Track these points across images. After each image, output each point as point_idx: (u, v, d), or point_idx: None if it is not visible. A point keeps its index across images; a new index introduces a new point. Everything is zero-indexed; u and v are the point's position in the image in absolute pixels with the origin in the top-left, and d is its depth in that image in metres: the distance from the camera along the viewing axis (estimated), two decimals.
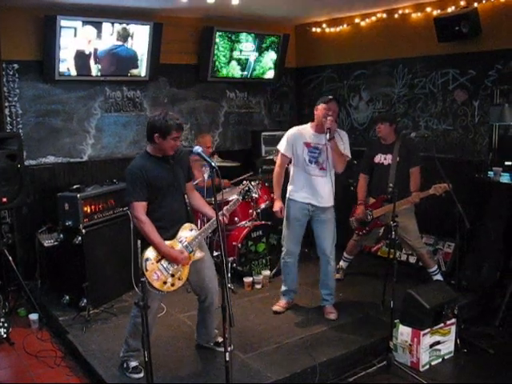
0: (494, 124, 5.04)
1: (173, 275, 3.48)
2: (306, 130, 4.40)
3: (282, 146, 4.46)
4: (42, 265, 5.12)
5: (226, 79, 6.52)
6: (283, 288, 4.68)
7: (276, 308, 4.63)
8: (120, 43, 5.46)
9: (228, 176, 5.70)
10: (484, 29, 4.91)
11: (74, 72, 5.31)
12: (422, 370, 3.84)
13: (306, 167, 4.35)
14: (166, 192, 3.47)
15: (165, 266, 3.45)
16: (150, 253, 3.42)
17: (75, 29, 5.12)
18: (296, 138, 4.38)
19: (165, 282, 3.45)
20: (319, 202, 4.34)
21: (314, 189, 4.34)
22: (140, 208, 3.39)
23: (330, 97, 4.32)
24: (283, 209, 4.45)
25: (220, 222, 3.02)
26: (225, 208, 3.66)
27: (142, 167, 3.41)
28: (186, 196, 3.64)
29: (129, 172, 3.44)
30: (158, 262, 3.43)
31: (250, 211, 5.49)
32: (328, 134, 4.13)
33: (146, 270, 3.38)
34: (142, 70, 5.76)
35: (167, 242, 3.46)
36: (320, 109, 4.26)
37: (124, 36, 5.46)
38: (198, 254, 3.60)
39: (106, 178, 5.30)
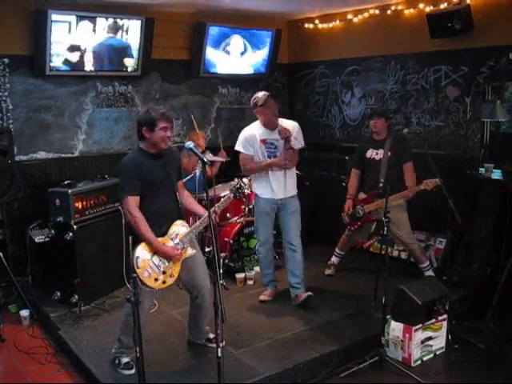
0: (486, 120, 5.06)
1: (164, 272, 3.47)
2: (257, 128, 4.49)
3: (239, 146, 4.52)
4: (33, 261, 5.07)
5: (218, 75, 6.49)
6: (265, 280, 4.79)
7: (262, 297, 4.75)
8: (111, 35, 5.42)
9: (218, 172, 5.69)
10: (476, 25, 4.91)
11: (65, 67, 5.27)
12: (413, 365, 3.86)
13: None
14: (159, 188, 3.46)
15: (156, 263, 3.44)
16: (142, 250, 3.41)
17: (69, 23, 5.07)
18: (252, 138, 4.47)
19: (156, 279, 3.44)
20: (283, 194, 4.49)
21: (276, 183, 4.48)
22: (133, 202, 3.38)
23: (263, 97, 4.34)
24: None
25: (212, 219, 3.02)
26: (216, 205, 3.65)
27: (136, 162, 3.41)
28: (177, 194, 3.63)
29: (122, 166, 3.43)
30: (149, 259, 3.41)
31: (242, 207, 5.49)
32: (286, 143, 4.31)
33: (138, 268, 3.36)
34: (135, 62, 5.72)
35: (159, 239, 3.44)
36: (260, 112, 4.37)
37: (115, 29, 5.42)
38: (190, 251, 3.59)
39: (98, 173, 5.25)
